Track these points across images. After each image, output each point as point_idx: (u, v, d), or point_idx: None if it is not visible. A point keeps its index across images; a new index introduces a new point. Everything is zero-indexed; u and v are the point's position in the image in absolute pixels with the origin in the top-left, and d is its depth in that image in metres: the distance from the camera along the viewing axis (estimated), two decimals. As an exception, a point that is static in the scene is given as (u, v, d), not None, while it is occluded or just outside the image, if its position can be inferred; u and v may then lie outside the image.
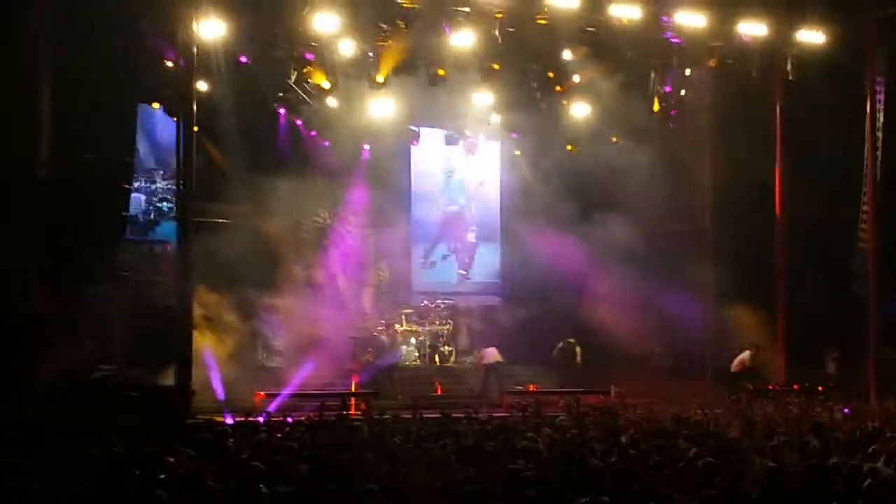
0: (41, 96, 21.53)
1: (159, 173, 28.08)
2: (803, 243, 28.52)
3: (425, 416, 19.89)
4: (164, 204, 27.81)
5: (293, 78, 26.62)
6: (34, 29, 21.68)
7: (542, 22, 25.94)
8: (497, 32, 25.61)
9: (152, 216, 27.81)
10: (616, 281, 29.08)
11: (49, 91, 21.69)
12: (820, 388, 26.71)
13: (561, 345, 29.72)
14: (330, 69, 26.16)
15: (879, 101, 28.79)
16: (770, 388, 27.07)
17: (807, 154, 28.32)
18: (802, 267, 28.46)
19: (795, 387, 27.03)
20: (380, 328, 29.39)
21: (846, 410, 21.22)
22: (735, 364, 28.19)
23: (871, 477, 11.57)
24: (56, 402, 19.55)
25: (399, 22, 24.85)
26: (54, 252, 21.43)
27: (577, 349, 29.71)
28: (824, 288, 28.32)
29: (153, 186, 28.00)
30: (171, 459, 13.35)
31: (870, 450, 13.79)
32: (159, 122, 27.05)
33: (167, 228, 26.85)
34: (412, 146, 32.24)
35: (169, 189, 27.47)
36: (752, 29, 26.97)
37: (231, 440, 15.72)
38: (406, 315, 30.31)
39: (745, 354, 28.14)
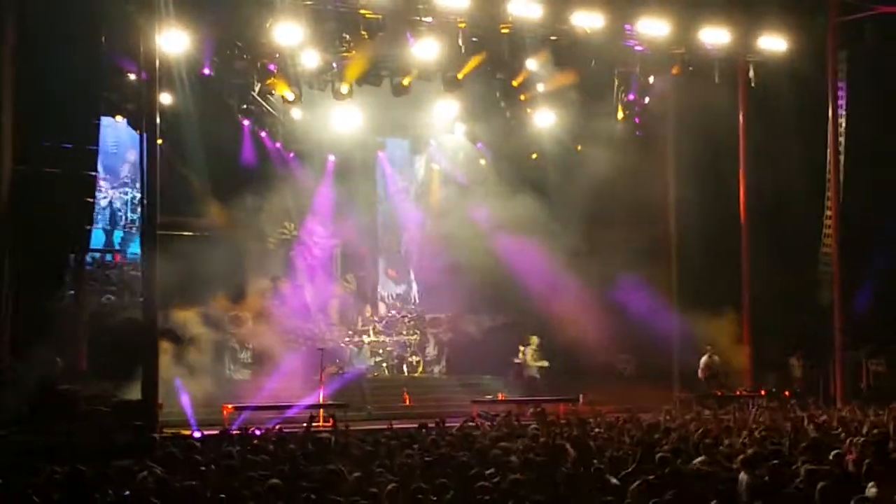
0: (3, 111, 21.32)
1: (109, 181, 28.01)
2: (767, 248, 28.61)
3: (395, 426, 19.79)
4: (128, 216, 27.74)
5: (257, 89, 26.63)
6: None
7: (506, 31, 25.99)
8: (460, 42, 25.63)
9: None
10: (580, 288, 29.14)
11: (11, 106, 21.50)
12: (787, 393, 26.87)
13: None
14: (294, 80, 26.16)
15: (841, 105, 29.00)
16: (737, 393, 27.20)
17: (770, 159, 28.46)
18: (767, 272, 28.57)
19: (762, 391, 27.18)
20: (347, 339, 29.31)
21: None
22: (701, 370, 28.29)
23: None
24: (23, 418, 19.41)
25: (362, 32, 24.81)
26: (19, 268, 21.23)
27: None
28: (789, 292, 28.46)
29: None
30: (140, 475, 13.31)
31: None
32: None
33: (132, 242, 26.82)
34: (378, 156, 32.20)
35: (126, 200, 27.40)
36: (714, 36, 27.14)
37: (199, 454, 15.63)
38: (373, 326, 30.23)
39: (704, 359, 28.26)
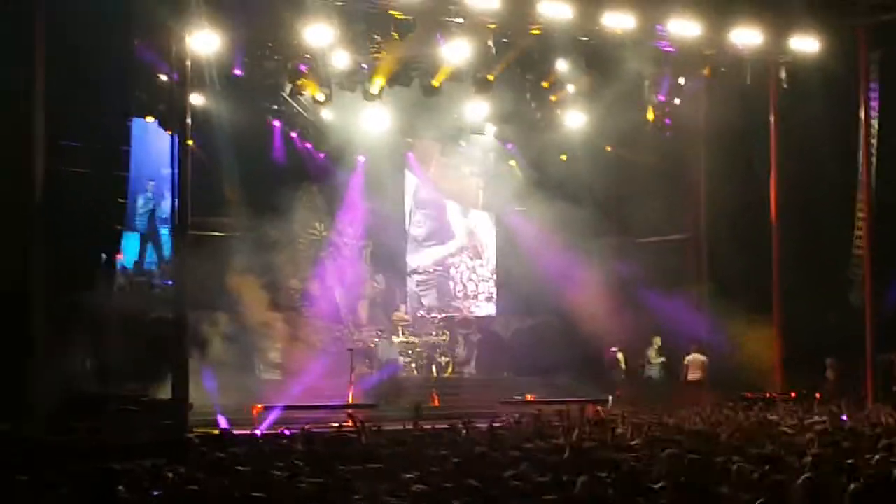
0: (35, 110, 21.44)
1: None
2: (799, 250, 28.48)
3: (424, 427, 19.79)
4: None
5: (287, 90, 26.70)
6: (29, 45, 21.60)
7: (536, 32, 25.96)
8: (490, 43, 25.64)
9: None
10: (610, 290, 29.10)
11: (43, 107, 21.61)
12: (818, 396, 26.73)
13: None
14: (324, 81, 26.18)
15: (873, 107, 28.82)
16: (767, 395, 27.10)
17: (802, 161, 28.32)
18: (798, 273, 28.43)
19: (793, 394, 27.07)
20: (376, 339, 29.33)
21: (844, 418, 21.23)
22: (691, 370, 28.23)
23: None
24: (54, 419, 19.52)
25: (392, 33, 24.83)
26: (50, 267, 21.34)
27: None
28: (820, 294, 28.29)
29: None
30: (170, 474, 13.36)
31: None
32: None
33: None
34: (407, 156, 32.23)
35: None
36: (746, 37, 26.99)
37: (228, 453, 15.67)
38: (403, 326, 30.25)
39: (694, 357, 28.20)
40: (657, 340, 29.28)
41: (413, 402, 24.94)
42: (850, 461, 13.45)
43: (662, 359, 29.16)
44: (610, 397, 26.73)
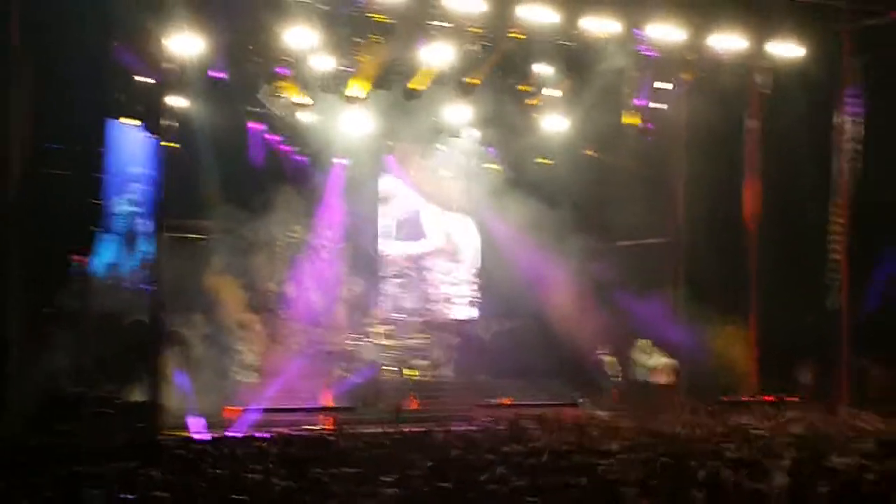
0: (12, 112, 21.35)
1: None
2: (776, 255, 28.53)
3: (401, 430, 19.78)
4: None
5: (268, 93, 26.65)
6: (6, 45, 21.51)
7: (517, 36, 25.96)
8: (472, 47, 25.65)
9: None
10: (589, 293, 29.12)
11: (20, 107, 21.52)
12: (793, 399, 26.82)
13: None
14: (304, 84, 26.14)
15: (853, 112, 28.87)
16: (743, 399, 27.16)
17: (781, 165, 28.38)
18: (775, 277, 28.48)
19: (768, 398, 27.12)
20: (354, 342, 29.27)
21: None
22: (667, 373, 28.24)
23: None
24: (30, 420, 19.45)
25: (373, 37, 24.81)
26: (26, 269, 21.25)
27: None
28: (797, 298, 28.33)
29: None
30: (142, 477, 13.31)
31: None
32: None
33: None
34: (387, 160, 32.21)
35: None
36: (727, 42, 27.02)
37: (202, 457, 15.63)
38: (380, 329, 30.18)
39: (665, 360, 28.21)
40: (644, 343, 29.16)
41: (392, 406, 24.93)
42: (825, 465, 13.52)
43: (656, 361, 28.95)
44: (581, 400, 26.75)
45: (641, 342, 28.87)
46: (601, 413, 24.23)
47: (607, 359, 29.27)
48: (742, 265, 29.08)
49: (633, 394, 28.08)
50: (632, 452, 15.71)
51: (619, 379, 29.01)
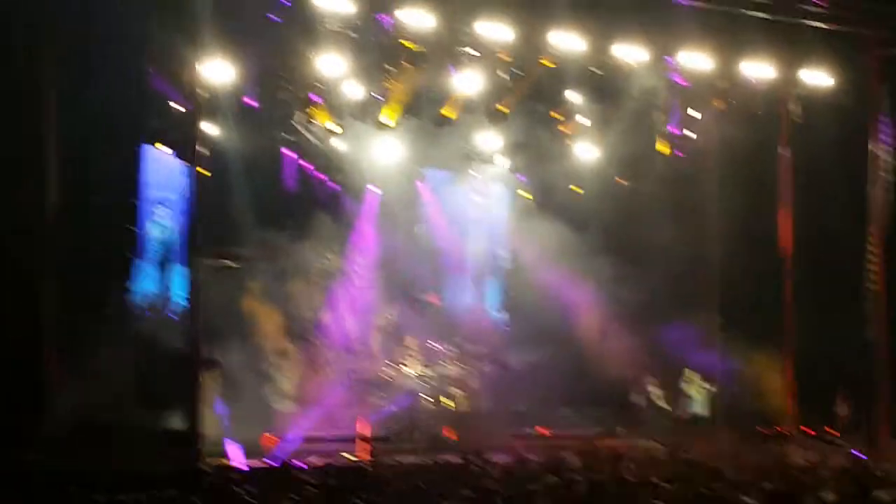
0: (48, 140, 21.44)
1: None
2: (812, 283, 28.39)
3: (437, 460, 19.72)
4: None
5: (300, 120, 26.73)
6: (40, 71, 21.61)
7: (548, 63, 25.99)
8: (502, 74, 25.70)
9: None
10: (622, 323, 29.03)
11: (55, 135, 21.61)
12: (831, 431, 26.63)
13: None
14: (336, 111, 26.25)
15: (886, 141, 28.78)
16: (779, 430, 27.00)
17: (814, 194, 28.29)
18: (810, 307, 28.33)
19: (806, 429, 26.95)
20: (387, 370, 29.20)
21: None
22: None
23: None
24: (66, 447, 19.45)
25: (405, 64, 24.88)
26: (62, 295, 21.30)
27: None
28: (834, 329, 28.16)
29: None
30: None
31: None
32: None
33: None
34: (419, 186, 32.22)
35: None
36: (758, 70, 27.03)
37: (239, 485, 15.61)
38: (415, 357, 30.08)
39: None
40: (692, 375, 28.90)
41: (430, 435, 24.87)
42: (870, 499, 13.40)
43: (702, 392, 28.73)
44: (619, 430, 26.60)
45: (689, 373, 28.68)
46: (642, 443, 24.06)
47: (655, 390, 29.06)
48: (776, 294, 28.92)
49: (681, 425, 27.95)
50: (672, 484, 15.60)
51: (668, 410, 28.83)
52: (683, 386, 28.75)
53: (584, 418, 28.56)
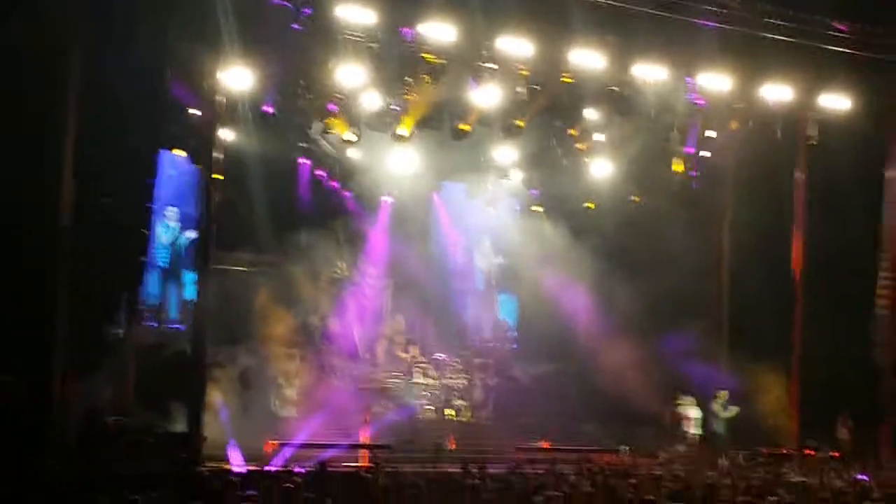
0: (65, 142, 21.59)
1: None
2: (822, 306, 28.36)
3: (439, 470, 19.79)
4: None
5: (317, 129, 26.86)
6: (63, 75, 21.75)
7: (567, 80, 26.05)
8: (521, 89, 25.76)
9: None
10: (630, 338, 29.03)
11: (73, 137, 21.77)
12: (835, 454, 26.58)
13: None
14: (354, 121, 26.33)
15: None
16: (783, 451, 26.96)
17: (828, 218, 28.27)
18: (820, 329, 28.29)
19: (808, 451, 26.89)
20: (394, 380, 29.29)
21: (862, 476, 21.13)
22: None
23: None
24: (74, 451, 19.57)
25: (424, 76, 24.95)
26: (73, 298, 21.41)
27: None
28: (842, 352, 28.13)
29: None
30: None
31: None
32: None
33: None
34: (433, 198, 32.32)
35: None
36: (777, 92, 27.01)
37: (240, 489, 15.70)
38: (421, 367, 30.17)
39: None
40: (723, 395, 28.78)
41: (433, 444, 24.91)
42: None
43: (729, 413, 28.59)
44: (622, 448, 26.60)
45: (721, 394, 28.53)
46: (643, 460, 24.07)
47: (689, 411, 28.83)
48: (787, 315, 28.88)
49: (695, 444, 27.95)
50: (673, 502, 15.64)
51: (691, 432, 28.71)
52: (714, 406, 28.57)
53: (592, 433, 28.57)
